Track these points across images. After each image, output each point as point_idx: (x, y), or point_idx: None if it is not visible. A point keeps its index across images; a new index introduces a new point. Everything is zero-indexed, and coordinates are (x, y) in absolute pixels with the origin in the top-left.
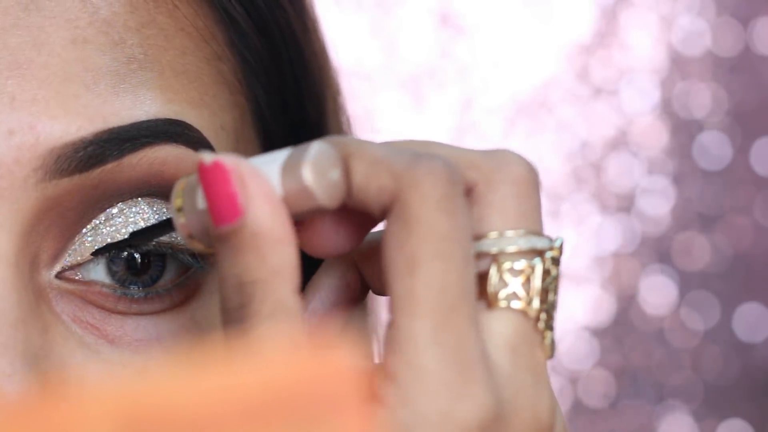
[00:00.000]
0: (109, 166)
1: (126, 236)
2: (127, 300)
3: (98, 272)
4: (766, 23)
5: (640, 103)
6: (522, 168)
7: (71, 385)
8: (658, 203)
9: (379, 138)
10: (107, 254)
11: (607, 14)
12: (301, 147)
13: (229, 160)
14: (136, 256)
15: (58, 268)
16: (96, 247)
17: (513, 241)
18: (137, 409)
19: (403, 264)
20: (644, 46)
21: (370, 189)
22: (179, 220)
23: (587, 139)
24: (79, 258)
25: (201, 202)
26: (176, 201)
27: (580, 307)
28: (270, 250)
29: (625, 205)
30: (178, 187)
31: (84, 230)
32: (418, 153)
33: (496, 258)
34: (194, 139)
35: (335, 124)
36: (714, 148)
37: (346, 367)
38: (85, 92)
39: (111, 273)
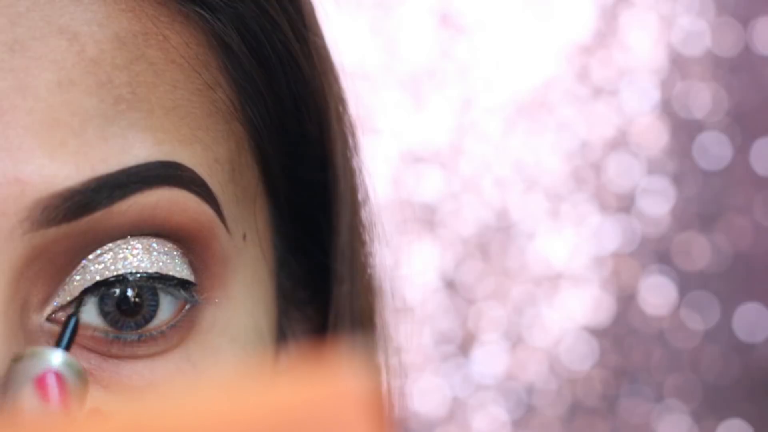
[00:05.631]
0: (98, 214)
1: (115, 273)
2: (120, 343)
3: (90, 313)
4: (766, 23)
5: (640, 103)
6: None
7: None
8: (658, 203)
9: (379, 138)
10: (97, 294)
11: (607, 14)
12: None
13: None
14: (129, 294)
15: (48, 311)
16: (85, 286)
17: None
18: (140, 430)
19: None
20: (644, 46)
21: None
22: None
23: (587, 139)
24: (68, 298)
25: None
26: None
27: (580, 307)
28: None
29: (625, 205)
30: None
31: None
32: None
33: None
34: (187, 179)
35: (339, 134)
36: (714, 148)
37: (354, 390)
38: (72, 138)
39: (103, 314)
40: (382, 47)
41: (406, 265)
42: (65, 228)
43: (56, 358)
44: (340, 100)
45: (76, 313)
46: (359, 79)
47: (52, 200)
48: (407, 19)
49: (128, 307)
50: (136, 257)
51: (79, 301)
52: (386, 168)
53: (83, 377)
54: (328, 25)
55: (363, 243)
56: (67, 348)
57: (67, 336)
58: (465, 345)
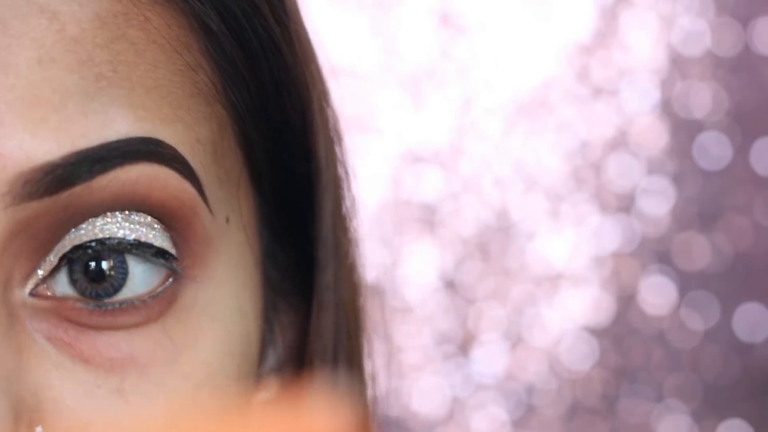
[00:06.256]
0: (78, 188)
1: (93, 238)
2: (100, 312)
3: (62, 283)
4: (766, 23)
5: (640, 103)
6: None
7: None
8: (658, 203)
9: (379, 138)
10: (67, 263)
11: (607, 14)
12: None
13: None
14: (94, 261)
15: (31, 285)
16: (63, 252)
17: None
18: None
19: None
20: (644, 46)
21: None
22: None
23: (587, 139)
24: (50, 269)
25: None
26: None
27: (580, 307)
28: None
29: (625, 205)
30: None
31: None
32: None
33: None
34: (168, 156)
35: (322, 123)
36: (714, 148)
37: (328, 422)
38: (52, 114)
39: (72, 282)
40: (382, 47)
41: (405, 265)
42: (47, 202)
43: None
44: (323, 93)
45: None
46: (359, 79)
47: (33, 174)
48: (407, 19)
49: (95, 276)
50: (114, 225)
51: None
52: (386, 168)
53: None
54: (327, 26)
55: (346, 231)
56: None
57: None
58: (465, 345)
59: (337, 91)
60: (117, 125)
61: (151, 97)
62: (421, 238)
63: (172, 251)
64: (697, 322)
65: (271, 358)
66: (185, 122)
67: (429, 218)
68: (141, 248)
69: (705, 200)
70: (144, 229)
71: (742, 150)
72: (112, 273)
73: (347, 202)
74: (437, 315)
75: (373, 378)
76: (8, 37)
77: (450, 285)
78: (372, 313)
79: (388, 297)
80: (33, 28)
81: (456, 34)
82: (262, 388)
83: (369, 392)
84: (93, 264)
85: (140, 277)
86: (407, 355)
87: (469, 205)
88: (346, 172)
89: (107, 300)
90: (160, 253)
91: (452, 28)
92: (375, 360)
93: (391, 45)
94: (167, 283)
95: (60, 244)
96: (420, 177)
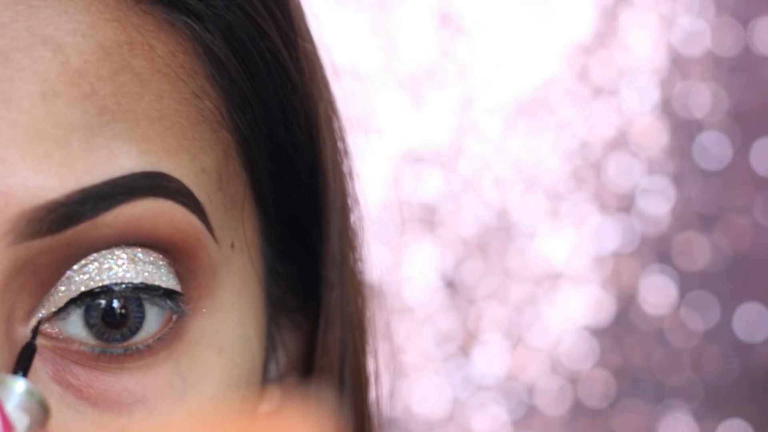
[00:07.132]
0: (83, 226)
1: (100, 284)
2: (106, 357)
3: (75, 325)
4: (766, 23)
5: (640, 103)
6: None
7: None
8: (658, 203)
9: (379, 138)
10: (82, 305)
11: (607, 14)
12: None
13: None
14: (115, 306)
15: (33, 322)
16: (70, 297)
17: None
18: None
19: None
20: (644, 46)
21: None
22: None
23: (587, 139)
24: (53, 309)
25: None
26: None
27: (580, 307)
28: None
29: (625, 205)
30: None
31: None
32: None
33: None
34: (172, 190)
35: (329, 138)
36: (714, 148)
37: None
38: (56, 150)
39: (89, 326)
40: (382, 47)
41: (406, 265)
42: (50, 240)
43: (19, 386)
44: (330, 104)
45: (33, 340)
46: (359, 79)
47: (36, 212)
48: (407, 19)
49: (113, 319)
50: (121, 267)
51: (35, 330)
52: (386, 168)
53: (44, 405)
54: (327, 26)
55: (353, 248)
56: (25, 374)
57: (25, 363)
58: (465, 345)
59: (338, 91)
60: (121, 160)
61: (156, 129)
62: (421, 238)
63: (178, 288)
64: (697, 322)
65: (273, 370)
66: (190, 152)
67: (429, 218)
68: (148, 291)
69: (705, 200)
70: (150, 269)
71: (742, 150)
72: (131, 317)
73: (354, 217)
74: (437, 315)
75: (375, 378)
76: (10, 70)
77: (450, 285)
78: (373, 313)
79: (388, 297)
80: (36, 61)
81: (456, 34)
82: (264, 400)
83: (371, 393)
84: (112, 309)
85: (154, 318)
86: (407, 355)
87: (469, 205)
88: (353, 186)
89: (115, 345)
90: (167, 294)
91: (452, 28)
92: (376, 360)
93: (391, 45)
94: (172, 321)
95: (66, 289)
96: (420, 177)
